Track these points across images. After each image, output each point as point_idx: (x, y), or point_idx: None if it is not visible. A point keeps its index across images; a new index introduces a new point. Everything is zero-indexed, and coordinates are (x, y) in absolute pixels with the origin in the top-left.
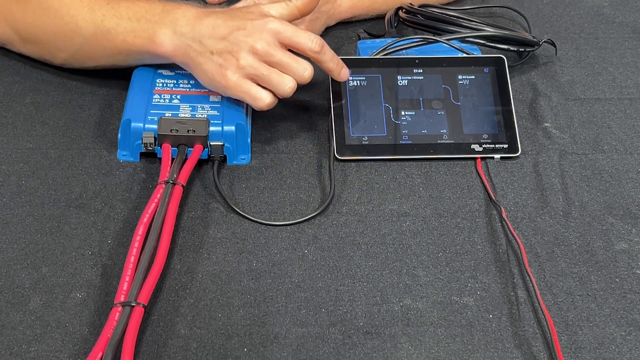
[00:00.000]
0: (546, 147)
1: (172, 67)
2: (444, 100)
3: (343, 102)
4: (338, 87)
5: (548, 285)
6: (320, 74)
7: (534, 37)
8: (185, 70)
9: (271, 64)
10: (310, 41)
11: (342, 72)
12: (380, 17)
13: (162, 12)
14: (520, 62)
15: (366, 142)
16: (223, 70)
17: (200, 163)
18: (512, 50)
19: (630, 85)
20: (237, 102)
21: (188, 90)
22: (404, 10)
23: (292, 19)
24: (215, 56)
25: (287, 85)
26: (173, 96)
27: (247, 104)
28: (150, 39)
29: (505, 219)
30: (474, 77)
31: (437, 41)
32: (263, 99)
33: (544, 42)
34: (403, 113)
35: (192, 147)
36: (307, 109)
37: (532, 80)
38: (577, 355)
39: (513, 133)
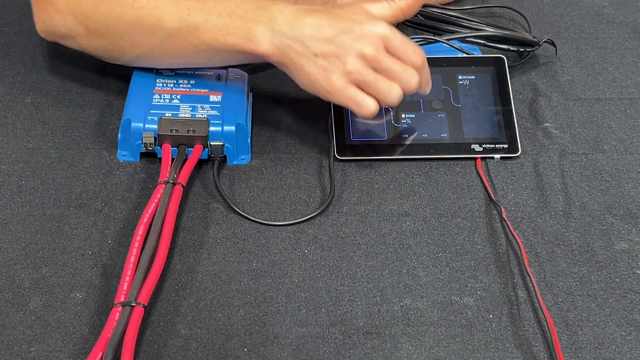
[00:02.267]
0: (546, 147)
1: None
2: (444, 101)
3: None
4: None
5: (548, 285)
6: None
7: (534, 37)
8: (185, 70)
9: (378, 70)
10: (415, 53)
11: (428, 87)
12: None
13: (257, 8)
14: (520, 62)
15: (366, 142)
16: (328, 75)
17: (200, 163)
18: (512, 50)
19: (630, 85)
20: (237, 102)
21: (188, 90)
22: None
23: (394, 21)
24: (320, 59)
25: (394, 94)
26: (173, 96)
27: (247, 104)
28: (246, 37)
29: (505, 219)
30: (474, 77)
31: (437, 41)
32: (369, 107)
33: (544, 42)
34: (403, 116)
35: (192, 147)
36: (307, 109)
37: (532, 80)
38: (577, 355)
39: (513, 133)
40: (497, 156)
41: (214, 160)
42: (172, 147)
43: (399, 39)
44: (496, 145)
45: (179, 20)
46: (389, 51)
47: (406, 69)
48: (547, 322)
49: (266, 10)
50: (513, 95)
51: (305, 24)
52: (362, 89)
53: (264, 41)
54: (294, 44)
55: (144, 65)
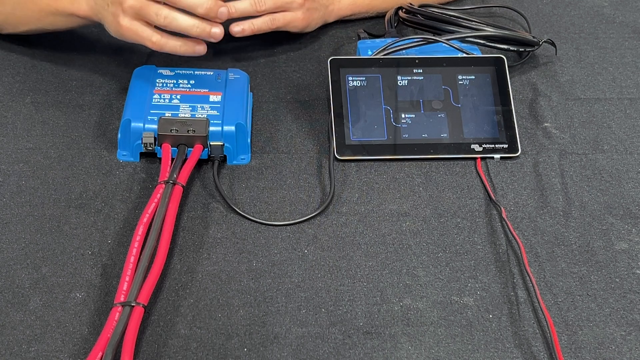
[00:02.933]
0: (546, 147)
1: (172, 66)
2: (444, 101)
3: (343, 102)
4: (338, 87)
5: (548, 285)
6: (320, 74)
7: (534, 37)
8: (185, 70)
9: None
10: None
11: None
12: (380, 17)
13: None
14: (520, 62)
15: (366, 142)
16: (116, 18)
17: (200, 163)
18: (512, 50)
19: (630, 85)
20: (237, 102)
21: (188, 90)
22: (403, 10)
23: None
24: (110, 6)
25: (178, 22)
26: (173, 96)
27: (247, 104)
28: (70, 1)
29: (505, 219)
30: (473, 77)
31: (437, 41)
32: (148, 37)
33: (544, 42)
34: (403, 116)
35: (192, 147)
36: (307, 109)
37: (532, 80)
38: (577, 355)
39: (513, 133)
40: (497, 156)
41: (213, 160)
42: (172, 147)
43: None
44: (496, 145)
45: None
46: None
47: None
48: (547, 322)
49: None
50: (513, 95)
51: None
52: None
53: (82, 3)
54: (101, 1)
55: (9, 32)
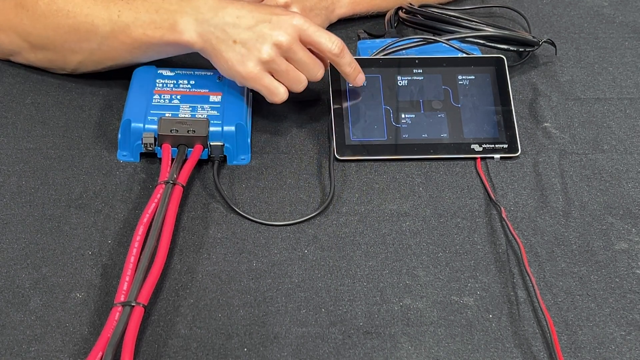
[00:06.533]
0: (546, 147)
1: (172, 67)
2: (444, 101)
3: (343, 102)
4: (338, 87)
5: (548, 285)
6: None
7: (534, 37)
8: (185, 70)
9: (290, 59)
10: (331, 42)
11: (358, 77)
12: (380, 17)
13: (182, 0)
14: (520, 62)
15: (366, 143)
16: (245, 60)
17: (200, 163)
18: (512, 50)
19: (630, 85)
20: (237, 102)
21: (188, 90)
22: (403, 10)
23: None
24: (238, 45)
25: (301, 84)
26: (173, 96)
27: (247, 104)
28: (172, 28)
29: (505, 218)
30: (473, 77)
31: (437, 41)
32: (280, 94)
33: (544, 42)
34: (403, 116)
35: (192, 147)
36: (307, 109)
37: (532, 80)
38: (577, 355)
39: (513, 133)
40: (497, 156)
41: (213, 161)
42: (172, 147)
43: (314, 28)
44: (496, 145)
45: (111, 22)
46: (306, 42)
47: (314, 60)
48: (546, 322)
49: (190, 2)
50: (513, 95)
51: (227, 12)
52: (274, 76)
53: (188, 30)
54: (215, 30)
55: (88, 70)
